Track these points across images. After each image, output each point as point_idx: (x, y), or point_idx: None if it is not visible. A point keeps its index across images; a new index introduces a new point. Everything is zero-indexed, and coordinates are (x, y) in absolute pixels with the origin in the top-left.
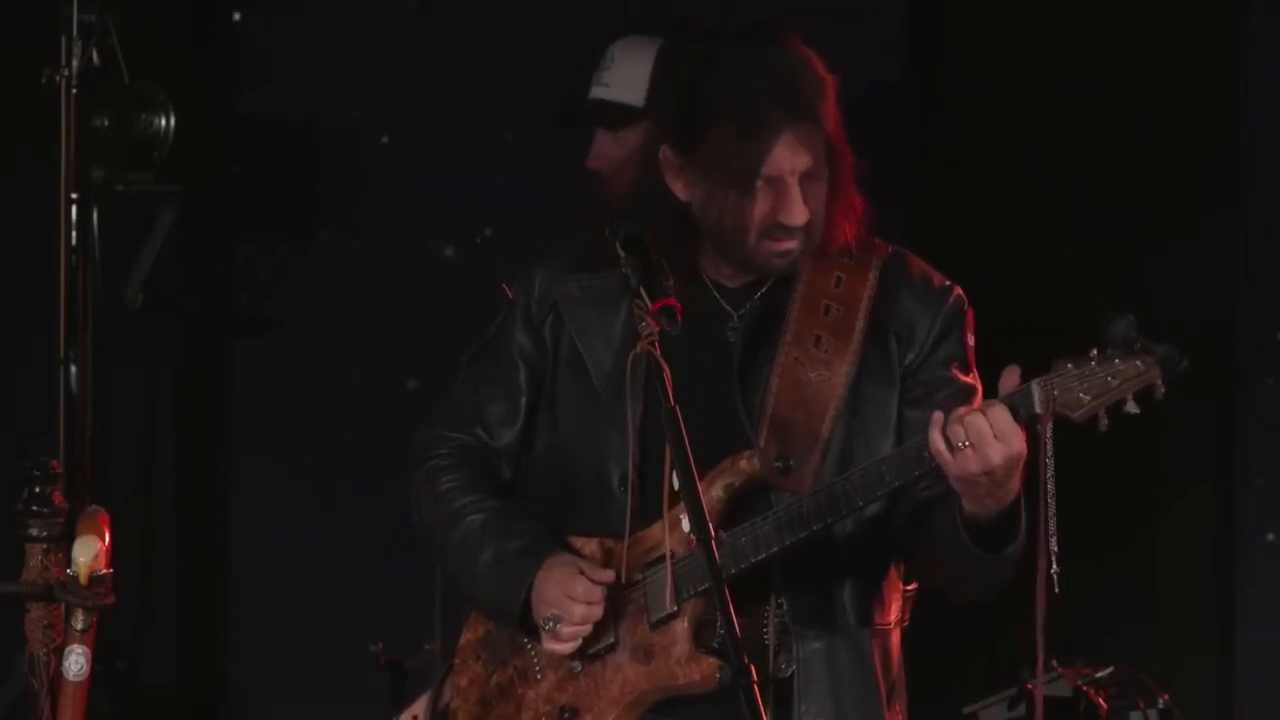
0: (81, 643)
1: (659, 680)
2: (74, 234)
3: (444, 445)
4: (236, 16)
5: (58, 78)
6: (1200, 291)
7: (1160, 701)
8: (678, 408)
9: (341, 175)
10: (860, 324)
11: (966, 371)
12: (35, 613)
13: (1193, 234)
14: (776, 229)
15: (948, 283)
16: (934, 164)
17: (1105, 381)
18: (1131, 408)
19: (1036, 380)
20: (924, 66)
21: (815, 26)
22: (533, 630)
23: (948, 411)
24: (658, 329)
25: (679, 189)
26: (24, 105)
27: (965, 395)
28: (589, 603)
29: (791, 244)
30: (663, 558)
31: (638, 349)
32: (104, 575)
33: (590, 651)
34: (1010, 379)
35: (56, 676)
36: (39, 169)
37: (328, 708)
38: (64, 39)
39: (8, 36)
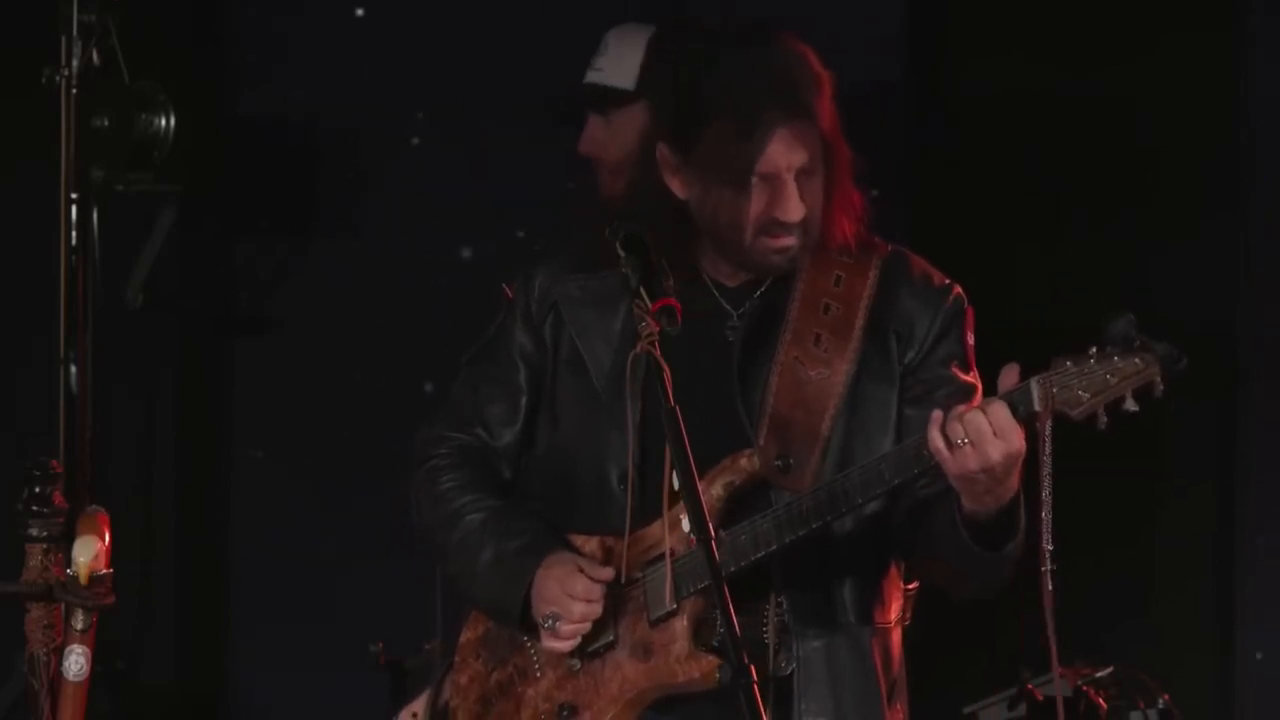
0: (81, 643)
1: (658, 678)
2: (74, 234)
3: (444, 445)
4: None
5: (58, 78)
6: (1200, 291)
7: (1160, 701)
8: (677, 408)
9: (341, 175)
10: (860, 322)
11: (966, 370)
12: (35, 613)
13: (1193, 234)
14: (773, 225)
15: (947, 281)
16: (934, 164)
17: (1104, 379)
18: (1130, 406)
19: (1036, 378)
20: (924, 66)
21: (815, 26)
22: (533, 629)
23: (947, 410)
24: (658, 329)
25: (676, 187)
26: (24, 105)
27: (965, 394)
28: (588, 600)
29: (789, 241)
30: (663, 556)
31: (638, 349)
32: (104, 575)
33: (590, 649)
34: (1009, 377)
35: (56, 676)
36: (39, 169)
37: (328, 708)
38: (64, 39)
39: (8, 36)
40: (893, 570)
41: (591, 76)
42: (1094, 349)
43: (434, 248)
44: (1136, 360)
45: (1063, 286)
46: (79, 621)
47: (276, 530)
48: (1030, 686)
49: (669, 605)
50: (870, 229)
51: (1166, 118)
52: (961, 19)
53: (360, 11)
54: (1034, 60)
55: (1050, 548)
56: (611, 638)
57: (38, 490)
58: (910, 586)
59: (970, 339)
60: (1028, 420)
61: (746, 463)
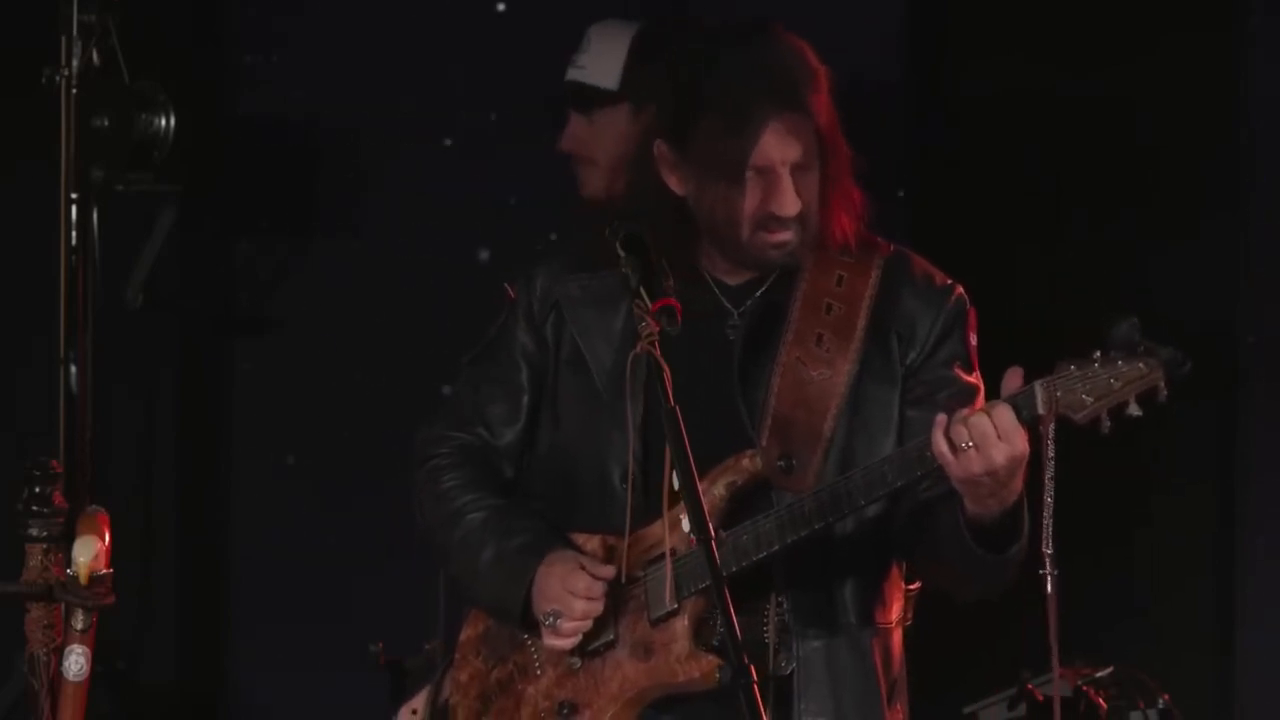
0: (81, 643)
1: (658, 678)
2: (74, 234)
3: (445, 445)
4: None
5: (58, 78)
6: (1200, 291)
7: (1160, 701)
8: (678, 408)
9: (341, 175)
10: (862, 322)
11: (969, 371)
12: (35, 613)
13: (1193, 234)
14: (770, 220)
15: (950, 282)
16: (934, 164)
17: (1108, 383)
18: (1134, 410)
19: (1040, 381)
20: (924, 66)
21: (815, 26)
22: (533, 627)
23: (949, 412)
24: (658, 329)
25: (674, 184)
26: (24, 105)
27: (967, 395)
28: (589, 598)
29: (786, 235)
30: (664, 555)
31: (638, 349)
32: (104, 575)
33: (590, 648)
34: (1013, 380)
35: (56, 676)
36: (39, 169)
37: (328, 708)
38: (64, 39)
39: (8, 36)
40: (894, 571)
41: (574, 74)
42: (1098, 353)
43: (434, 248)
44: (1140, 365)
45: (1063, 286)
46: (79, 621)
47: (276, 530)
48: (1030, 686)
49: (669, 605)
50: (870, 228)
51: (1166, 118)
52: (961, 19)
53: (360, 11)
54: (1034, 60)
55: (1050, 552)
56: (612, 636)
57: (38, 490)
58: (912, 587)
59: (973, 340)
60: (1031, 424)
61: (749, 463)
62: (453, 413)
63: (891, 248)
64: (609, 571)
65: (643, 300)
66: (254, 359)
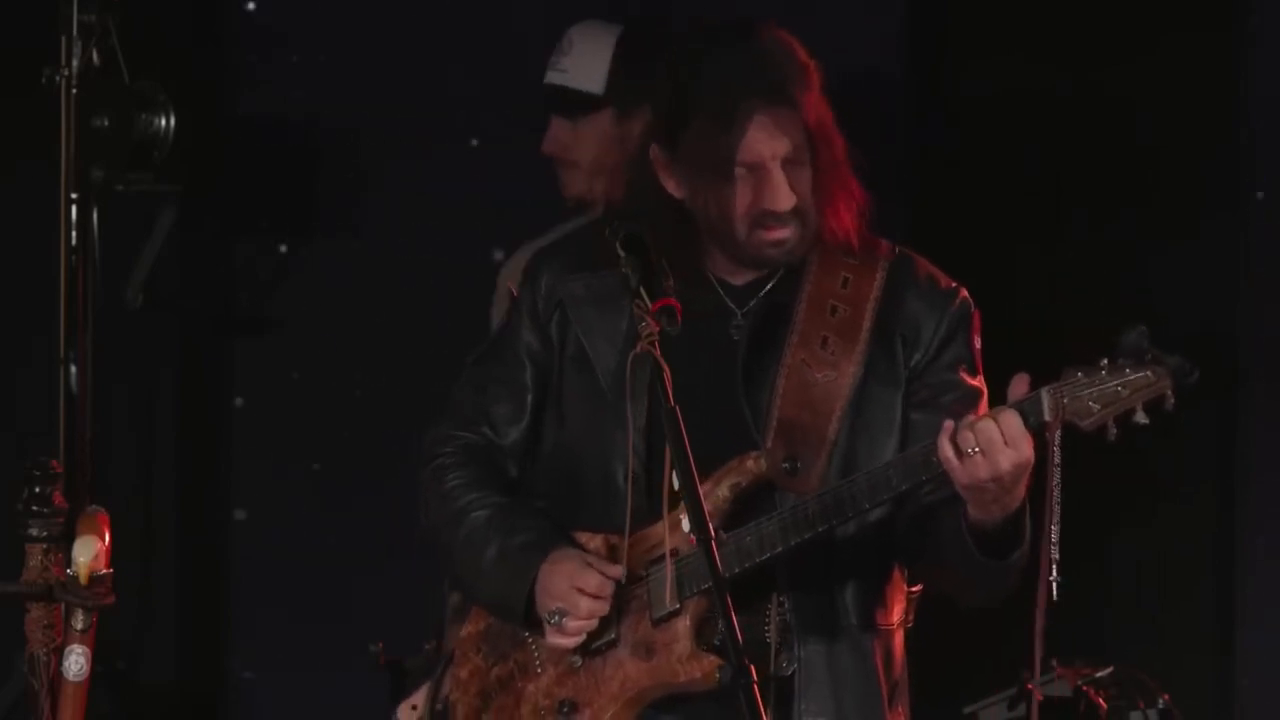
0: (81, 643)
1: (659, 677)
2: (74, 234)
3: (450, 444)
4: (251, 6)
5: (58, 78)
6: (1200, 291)
7: (1160, 701)
8: (678, 408)
9: (341, 175)
10: (867, 325)
11: (973, 374)
12: (35, 613)
13: (1193, 234)
14: (765, 217)
15: (954, 285)
16: (934, 164)
17: (1115, 391)
18: (1141, 418)
19: (1046, 388)
20: (924, 66)
21: (815, 26)
22: (536, 625)
23: (953, 414)
24: (658, 329)
25: (672, 188)
26: (24, 105)
27: (971, 398)
28: (598, 596)
29: (784, 232)
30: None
31: (638, 348)
32: (104, 575)
33: (591, 647)
34: (1019, 386)
35: (56, 676)
36: (39, 169)
37: (328, 708)
38: (64, 39)
39: (8, 36)
40: (896, 574)
41: (554, 77)
42: (1105, 360)
43: (434, 248)
44: (1148, 373)
45: (1063, 286)
46: (79, 621)
47: (276, 530)
48: (1030, 686)
49: (669, 606)
50: (870, 228)
51: (1166, 118)
52: (961, 19)
53: (361, 11)
54: (1034, 60)
55: (1057, 558)
56: (613, 636)
57: (38, 490)
58: (913, 590)
59: (977, 343)
60: (1037, 430)
61: (753, 464)
62: (458, 412)
63: (896, 250)
64: (619, 571)
65: (643, 300)
66: (254, 359)
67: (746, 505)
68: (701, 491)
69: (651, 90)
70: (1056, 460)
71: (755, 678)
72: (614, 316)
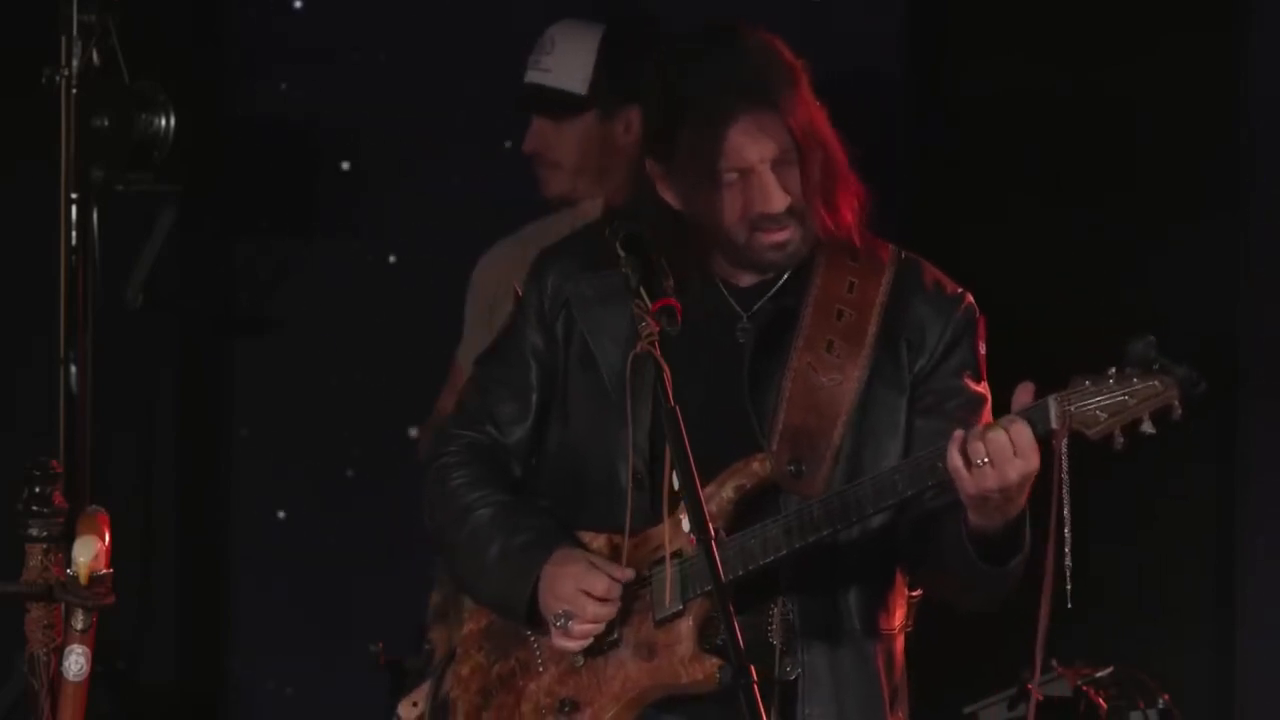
0: (81, 643)
1: (661, 678)
2: (74, 234)
3: (454, 443)
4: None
5: (58, 78)
6: (1200, 291)
7: (1160, 701)
8: (678, 408)
9: (341, 175)
10: (873, 329)
11: (977, 380)
12: (35, 613)
13: (1193, 234)
14: (762, 220)
15: (960, 290)
16: (934, 164)
17: (1123, 400)
18: (1147, 428)
19: (1053, 396)
20: (924, 66)
21: (815, 26)
22: (538, 624)
23: (958, 420)
24: (658, 329)
25: (670, 199)
26: (24, 105)
27: (975, 404)
28: (604, 600)
29: (783, 234)
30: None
31: (637, 349)
32: (104, 575)
33: (593, 647)
34: (1024, 395)
35: (56, 676)
36: (39, 169)
37: (328, 708)
38: (64, 39)
39: (8, 36)
40: (898, 578)
41: (537, 77)
42: (1113, 369)
43: (434, 248)
44: (1156, 382)
45: (1063, 287)
46: (79, 621)
47: (276, 530)
48: (1030, 686)
49: (670, 607)
50: (870, 228)
51: (1166, 118)
52: (961, 19)
53: (360, 11)
54: (1034, 60)
55: (1070, 564)
56: (616, 636)
57: (38, 490)
58: (914, 594)
59: (982, 349)
60: (1044, 438)
61: (759, 467)
62: (462, 411)
63: (902, 254)
64: (627, 574)
65: (643, 300)
66: (254, 359)
67: (751, 508)
68: (706, 493)
69: (635, 93)
70: (1064, 470)
71: (755, 678)
72: (619, 316)
